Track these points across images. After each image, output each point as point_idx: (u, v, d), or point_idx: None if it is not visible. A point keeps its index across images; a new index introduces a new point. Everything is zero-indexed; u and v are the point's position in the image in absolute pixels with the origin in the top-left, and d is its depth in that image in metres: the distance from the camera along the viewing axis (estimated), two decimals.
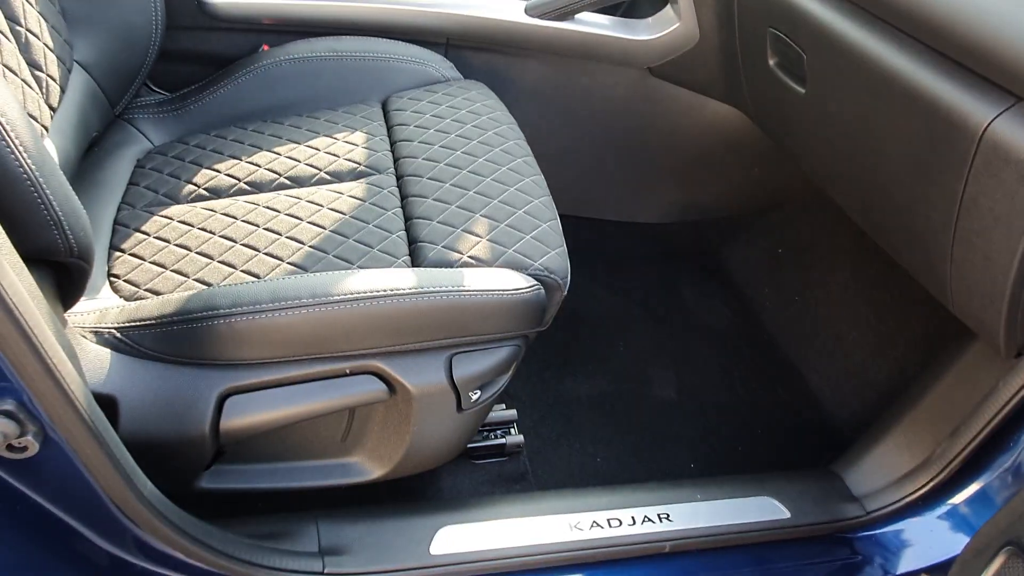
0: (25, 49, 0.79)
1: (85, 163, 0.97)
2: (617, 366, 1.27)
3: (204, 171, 0.98)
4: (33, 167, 0.56)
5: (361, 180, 0.97)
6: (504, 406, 1.10)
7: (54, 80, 0.85)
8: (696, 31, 1.20)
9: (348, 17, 1.17)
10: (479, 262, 0.84)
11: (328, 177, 0.98)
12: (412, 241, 0.88)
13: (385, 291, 0.76)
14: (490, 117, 1.06)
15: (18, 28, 0.78)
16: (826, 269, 1.33)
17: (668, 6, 1.22)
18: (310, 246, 0.86)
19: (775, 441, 1.18)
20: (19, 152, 0.54)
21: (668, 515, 0.90)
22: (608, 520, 0.89)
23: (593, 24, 1.22)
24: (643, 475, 1.10)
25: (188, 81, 1.15)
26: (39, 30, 0.82)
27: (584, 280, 1.29)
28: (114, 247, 0.89)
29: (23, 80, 0.77)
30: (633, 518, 0.89)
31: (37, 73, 0.81)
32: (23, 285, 0.50)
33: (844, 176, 0.99)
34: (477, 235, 0.87)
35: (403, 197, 0.94)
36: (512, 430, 1.08)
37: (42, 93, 0.82)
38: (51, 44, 0.85)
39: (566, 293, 0.88)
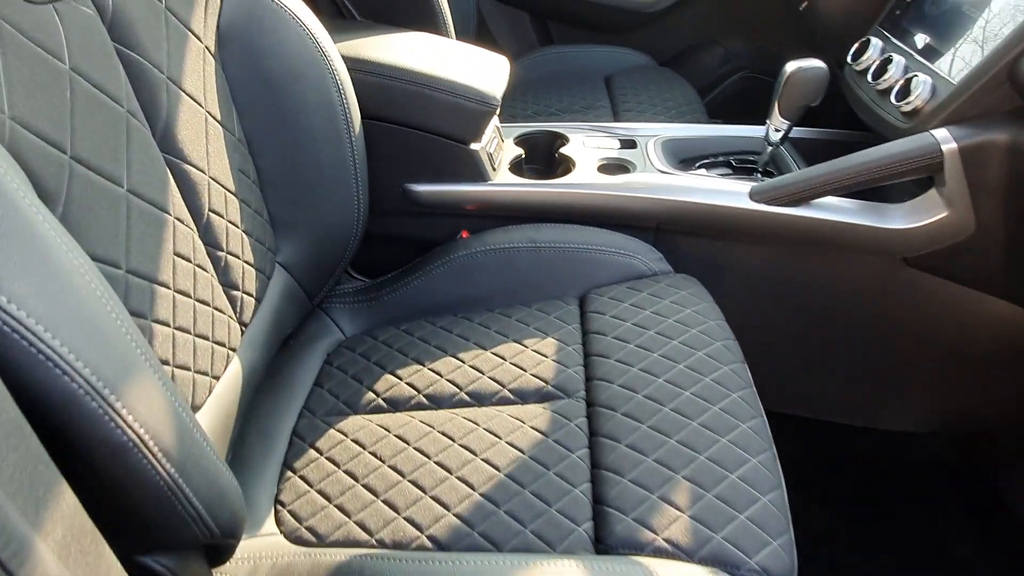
0: (223, 273, 0.79)
1: (277, 358, 0.96)
2: None
3: (387, 376, 0.93)
4: (172, 472, 0.50)
5: (546, 405, 0.85)
6: None
7: (251, 295, 0.85)
8: (971, 221, 0.97)
9: (551, 202, 1.10)
10: (676, 550, 0.68)
11: (511, 396, 0.88)
12: (597, 500, 0.74)
13: None
14: (702, 330, 0.90)
15: (219, 253, 0.78)
16: None
17: (932, 190, 1.00)
18: (481, 493, 0.75)
19: None
20: (157, 462, 0.49)
21: None
22: None
23: (833, 209, 1.03)
24: None
25: (386, 264, 1.13)
26: (240, 249, 0.82)
27: (813, 504, 1.05)
28: (287, 464, 0.85)
29: (215, 308, 0.76)
30: None
31: (233, 294, 0.81)
32: None
33: None
34: (677, 507, 0.70)
35: (591, 434, 0.81)
36: None
37: (235, 314, 0.81)
38: (252, 259, 0.85)
39: None
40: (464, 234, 1.12)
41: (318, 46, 0.90)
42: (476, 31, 1.89)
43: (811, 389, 1.21)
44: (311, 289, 1.00)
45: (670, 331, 0.91)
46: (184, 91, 0.74)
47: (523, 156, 1.20)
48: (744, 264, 1.11)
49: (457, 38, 1.62)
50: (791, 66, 1.06)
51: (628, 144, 1.21)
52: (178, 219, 0.70)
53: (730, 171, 1.19)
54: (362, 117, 0.99)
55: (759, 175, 1.17)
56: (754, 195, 1.05)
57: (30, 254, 0.44)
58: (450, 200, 1.11)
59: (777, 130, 1.11)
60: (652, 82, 1.66)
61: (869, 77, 1.10)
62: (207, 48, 0.79)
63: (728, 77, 1.87)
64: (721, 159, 1.22)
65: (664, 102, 1.55)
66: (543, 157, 1.24)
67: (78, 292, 0.46)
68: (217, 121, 0.80)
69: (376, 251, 1.15)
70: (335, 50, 0.93)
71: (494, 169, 1.12)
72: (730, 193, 1.06)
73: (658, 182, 1.10)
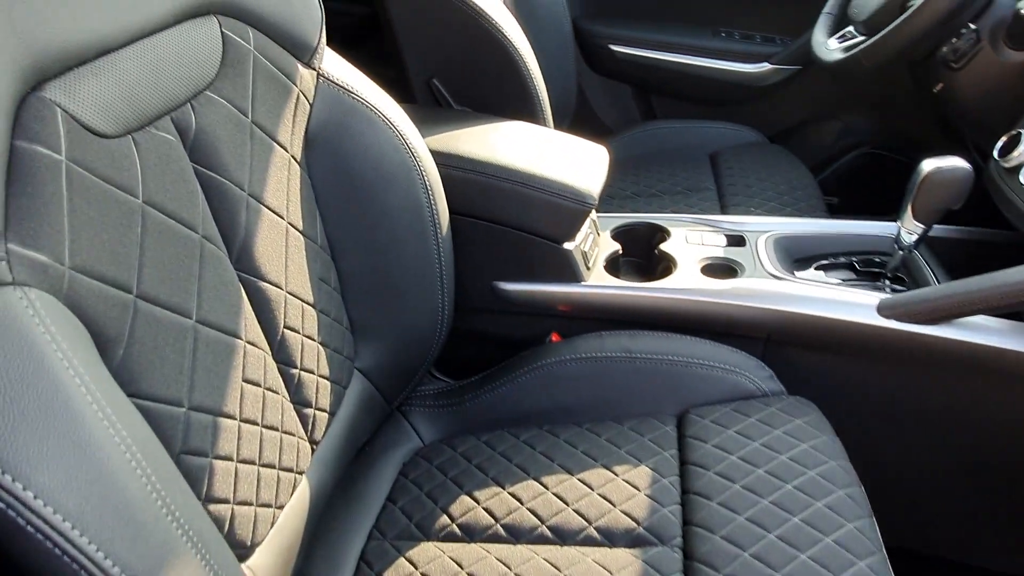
0: (296, 391, 0.75)
1: (350, 468, 0.91)
2: None
3: (463, 497, 0.86)
4: None
5: (637, 552, 0.75)
6: None
7: (324, 411, 0.80)
8: None
9: (648, 307, 1.01)
10: None
11: (597, 536, 0.78)
12: None
13: None
14: (821, 473, 0.79)
15: (292, 371, 0.74)
16: None
17: None
18: None
19: None
20: None
21: None
22: None
23: (980, 330, 0.90)
24: None
25: (471, 361, 1.07)
26: (316, 363, 0.78)
27: None
28: None
29: (284, 432, 0.72)
30: None
31: (304, 412, 0.77)
32: None
33: None
34: None
35: None
36: None
37: (306, 433, 0.77)
38: (328, 371, 0.81)
39: None
40: (555, 337, 1.05)
41: (408, 148, 0.86)
42: (576, 104, 1.85)
43: (949, 529, 1.05)
44: (390, 393, 0.95)
45: (783, 471, 0.79)
46: (265, 205, 0.71)
47: (620, 252, 1.12)
48: (870, 387, 0.98)
49: (556, 112, 1.58)
50: (928, 165, 0.94)
51: (736, 240, 1.11)
52: (250, 343, 0.67)
53: (853, 275, 1.07)
54: (453, 212, 0.95)
55: (887, 282, 1.04)
56: (884, 310, 0.93)
57: (65, 437, 0.40)
58: (541, 300, 1.04)
59: (910, 233, 0.99)
60: (761, 160, 1.55)
61: (1021, 177, 0.97)
62: (293, 157, 0.77)
63: (846, 153, 1.74)
64: (843, 260, 1.10)
65: (775, 185, 1.44)
66: (642, 251, 1.16)
67: (115, 476, 0.42)
68: (299, 231, 0.77)
69: (461, 348, 1.09)
70: (425, 150, 0.89)
71: (588, 268, 1.04)
72: (855, 306, 0.95)
73: (769, 288, 0.99)
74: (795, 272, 1.05)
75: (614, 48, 1.73)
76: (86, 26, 0.52)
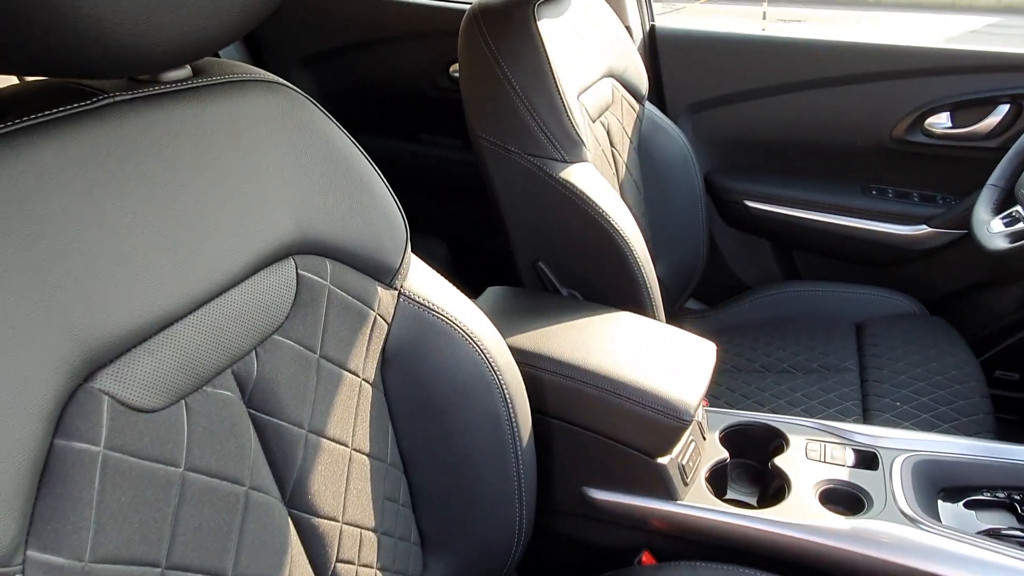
0: None
1: None
2: None
3: None
4: None
5: None
6: None
7: None
8: None
9: (752, 538, 0.89)
10: None
11: None
12: None
13: None
14: None
15: None
16: None
17: None
18: None
19: None
20: None
21: None
22: None
23: None
24: None
25: (557, 567, 1.00)
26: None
27: None
28: None
29: None
30: None
31: None
32: None
33: None
34: None
35: None
36: None
37: None
38: None
39: None
40: (645, 557, 0.96)
41: (488, 364, 0.84)
42: (709, 256, 1.77)
43: None
44: None
45: None
46: (327, 437, 0.71)
47: (728, 461, 1.01)
48: None
49: (684, 272, 1.51)
50: None
51: (866, 460, 0.97)
52: None
53: (1015, 521, 0.89)
54: (539, 414, 0.91)
55: None
56: None
57: None
58: (632, 513, 0.96)
59: None
60: (916, 338, 1.38)
61: None
62: (364, 380, 0.77)
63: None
64: (1002, 496, 0.92)
65: (929, 374, 1.26)
66: (755, 454, 1.05)
67: None
68: (365, 454, 0.76)
69: (548, 550, 1.03)
70: (507, 359, 0.87)
71: (686, 484, 0.95)
72: (1008, 572, 0.78)
73: (899, 535, 0.84)
74: (938, 508, 0.89)
75: (749, 204, 1.65)
76: (148, 304, 0.52)
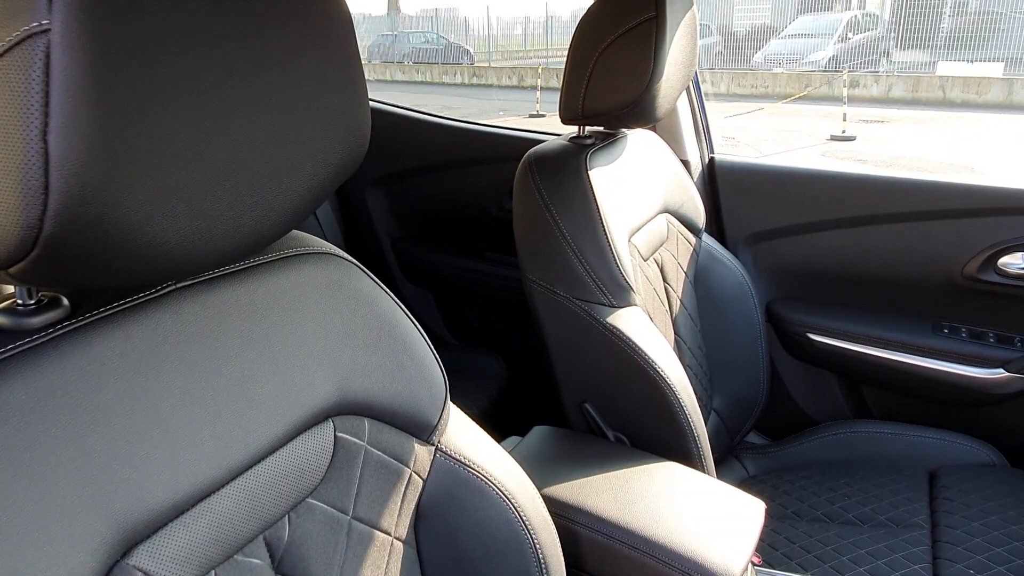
0: None
1: None
2: None
3: None
4: None
5: None
6: None
7: None
8: None
9: None
10: None
11: None
12: None
13: None
14: None
15: None
16: None
17: None
18: None
19: None
20: None
21: None
22: None
23: None
24: None
25: None
26: None
27: None
28: None
29: None
30: None
31: None
32: None
33: None
34: None
35: None
36: None
37: None
38: None
39: None
40: None
41: (521, 520, 0.84)
42: (772, 388, 1.72)
43: None
44: None
45: None
46: None
47: None
48: None
49: (744, 406, 1.47)
50: None
51: None
52: None
53: None
54: (576, 569, 0.89)
55: None
56: None
57: None
58: None
59: None
60: (995, 496, 1.28)
61: None
62: (396, 538, 0.77)
63: None
64: None
65: (1007, 540, 1.17)
66: None
67: None
68: None
69: None
70: (542, 518, 0.86)
71: None
72: None
73: None
74: None
75: (813, 337, 1.61)
76: (188, 480, 0.53)
